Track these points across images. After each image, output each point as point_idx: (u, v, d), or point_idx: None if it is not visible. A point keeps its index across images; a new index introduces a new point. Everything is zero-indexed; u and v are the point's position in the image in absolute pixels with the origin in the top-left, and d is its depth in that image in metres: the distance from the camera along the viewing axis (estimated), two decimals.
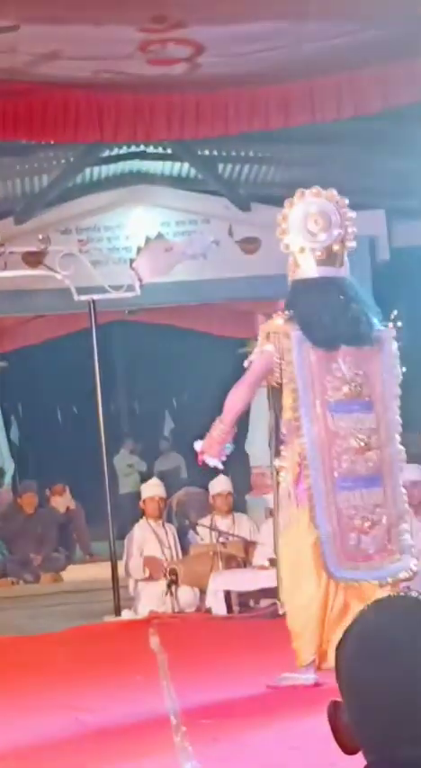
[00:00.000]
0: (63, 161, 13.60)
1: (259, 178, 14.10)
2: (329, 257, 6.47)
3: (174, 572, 9.61)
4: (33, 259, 10.02)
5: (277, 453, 6.46)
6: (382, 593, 5.98)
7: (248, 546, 9.96)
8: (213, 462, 6.61)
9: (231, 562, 9.77)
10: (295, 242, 6.47)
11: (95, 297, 10.08)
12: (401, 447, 6.46)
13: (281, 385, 6.36)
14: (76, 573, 12.54)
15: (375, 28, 8.90)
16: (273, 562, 7.17)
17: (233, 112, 10.05)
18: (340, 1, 8.66)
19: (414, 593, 1.63)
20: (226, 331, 15.71)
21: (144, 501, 10.23)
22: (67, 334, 14.49)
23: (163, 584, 9.62)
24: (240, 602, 9.41)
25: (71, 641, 8.60)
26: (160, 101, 10.04)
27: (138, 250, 9.85)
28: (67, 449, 19.05)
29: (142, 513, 10.27)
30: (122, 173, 14.16)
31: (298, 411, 6.24)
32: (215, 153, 13.75)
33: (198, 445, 6.57)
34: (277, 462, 6.41)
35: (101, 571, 10.74)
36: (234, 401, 6.51)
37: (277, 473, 6.43)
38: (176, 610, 9.53)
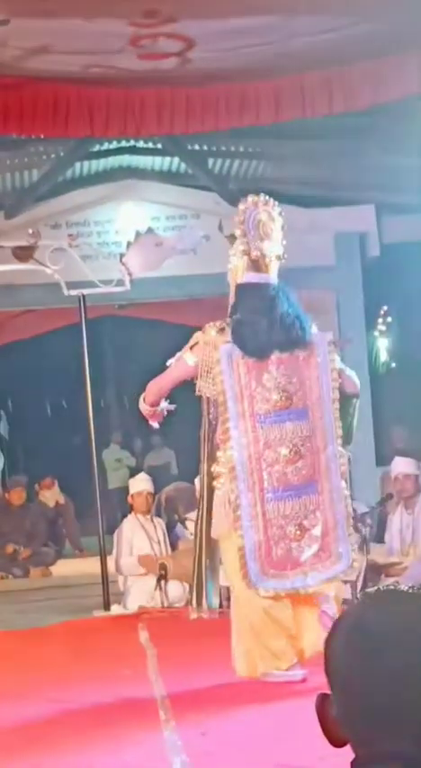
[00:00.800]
0: (53, 156, 13.59)
1: (249, 173, 14.11)
2: (267, 263, 6.49)
3: (163, 567, 9.61)
4: (23, 253, 10.00)
5: (213, 458, 6.38)
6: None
7: None
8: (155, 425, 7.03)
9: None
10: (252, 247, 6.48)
11: (85, 291, 10.08)
12: (341, 450, 6.38)
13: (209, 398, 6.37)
14: (65, 568, 12.54)
15: (365, 23, 8.90)
16: None
17: (223, 107, 10.05)
18: None
19: (403, 587, 1.63)
20: None
21: (132, 496, 10.23)
22: (56, 328, 14.49)
23: (152, 579, 9.63)
24: (229, 596, 9.39)
25: (60, 636, 8.60)
26: (151, 95, 10.03)
27: (128, 245, 9.84)
28: (57, 443, 19.05)
29: (131, 509, 10.28)
30: (112, 167, 14.17)
31: (226, 423, 6.21)
32: (205, 148, 13.76)
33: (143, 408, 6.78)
34: (214, 468, 6.34)
35: (90, 566, 10.75)
36: (154, 392, 6.68)
37: (211, 478, 6.35)
38: (166, 605, 9.54)
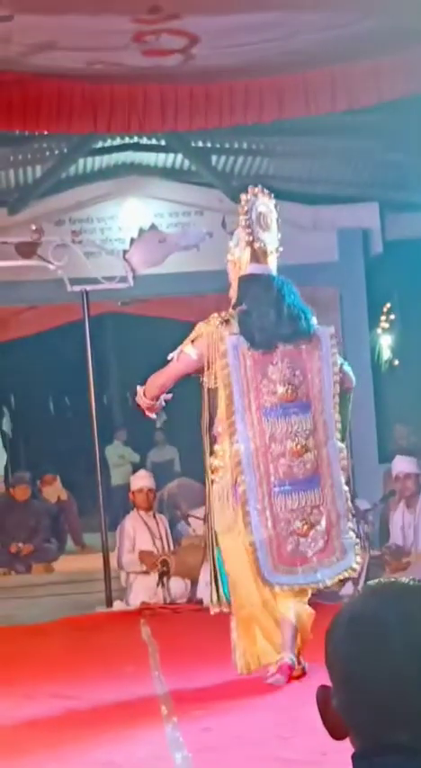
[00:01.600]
0: (56, 152, 13.60)
1: (253, 170, 14.11)
2: (267, 255, 6.49)
3: (165, 563, 9.62)
4: (26, 250, 10.00)
5: (210, 452, 6.35)
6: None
7: None
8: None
9: None
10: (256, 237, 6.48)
11: (88, 288, 10.08)
12: (341, 445, 6.36)
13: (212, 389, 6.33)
14: (67, 564, 12.54)
15: (369, 20, 8.89)
16: None
17: (227, 104, 10.04)
18: None
19: (403, 579, 1.63)
20: None
21: (133, 493, 10.24)
22: (59, 325, 14.49)
23: (154, 575, 9.64)
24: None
25: (62, 632, 8.61)
26: (154, 92, 10.03)
27: (132, 241, 9.85)
28: (60, 440, 19.05)
29: (133, 505, 10.28)
30: (116, 164, 14.17)
31: (232, 416, 6.17)
32: (209, 145, 13.76)
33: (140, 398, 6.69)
34: (213, 461, 6.30)
35: (92, 562, 10.75)
36: (157, 386, 6.55)
37: (211, 471, 6.32)
38: (168, 601, 9.55)
